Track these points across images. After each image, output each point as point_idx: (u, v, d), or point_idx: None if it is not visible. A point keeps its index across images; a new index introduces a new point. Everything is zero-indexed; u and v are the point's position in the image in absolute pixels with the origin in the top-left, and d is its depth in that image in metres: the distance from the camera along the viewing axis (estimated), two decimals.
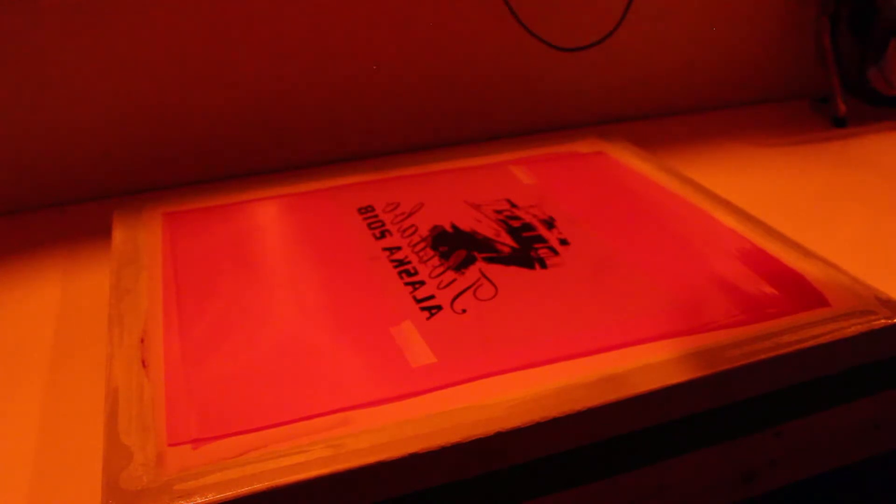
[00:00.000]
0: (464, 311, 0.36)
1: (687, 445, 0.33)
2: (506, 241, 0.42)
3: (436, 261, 0.40)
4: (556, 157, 0.53)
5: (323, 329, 0.35)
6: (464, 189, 0.48)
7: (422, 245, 0.41)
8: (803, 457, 0.36)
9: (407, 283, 0.38)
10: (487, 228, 0.43)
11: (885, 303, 0.35)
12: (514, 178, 0.50)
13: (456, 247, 0.41)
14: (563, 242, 0.41)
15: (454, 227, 0.43)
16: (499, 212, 0.45)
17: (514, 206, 0.46)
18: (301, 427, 0.29)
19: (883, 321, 0.34)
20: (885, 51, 0.68)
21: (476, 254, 0.40)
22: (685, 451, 0.33)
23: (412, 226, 0.43)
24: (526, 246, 0.41)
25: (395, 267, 0.39)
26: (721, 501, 0.35)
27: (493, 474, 0.30)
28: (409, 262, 0.40)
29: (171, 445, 0.28)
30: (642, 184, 0.49)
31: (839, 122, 0.71)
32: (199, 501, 0.26)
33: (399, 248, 0.41)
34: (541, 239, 0.42)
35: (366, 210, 0.45)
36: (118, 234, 0.43)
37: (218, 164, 0.61)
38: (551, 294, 0.37)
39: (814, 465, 0.36)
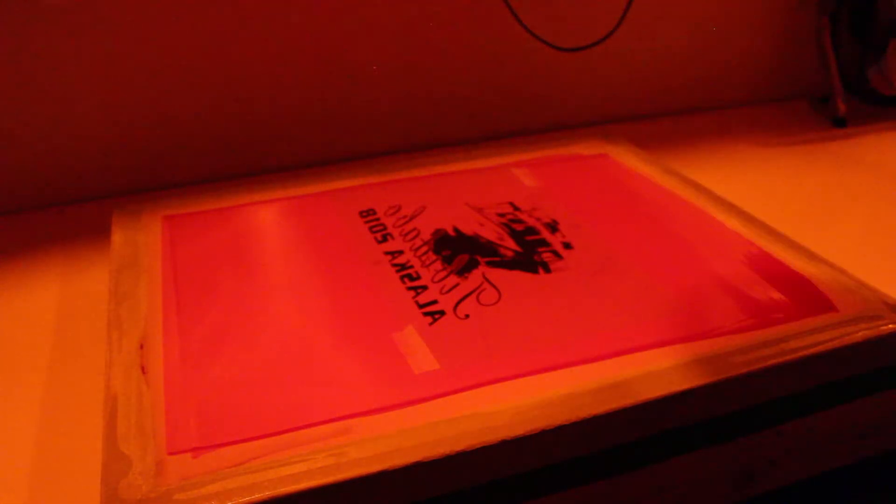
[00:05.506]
0: (467, 316, 0.35)
1: (687, 446, 0.32)
2: (509, 245, 0.41)
3: (438, 265, 0.40)
4: (559, 159, 0.53)
5: (324, 335, 0.34)
6: (466, 192, 0.48)
7: (424, 249, 0.41)
8: (803, 457, 0.35)
9: (409, 288, 0.38)
10: (490, 232, 0.43)
11: (893, 307, 0.35)
12: (517, 180, 0.49)
13: (458, 251, 0.41)
14: (567, 246, 0.41)
15: (456, 230, 0.43)
16: (501, 215, 0.45)
17: (516, 208, 0.45)
18: (302, 435, 0.29)
19: (891, 326, 0.34)
20: (885, 51, 0.68)
21: (479, 258, 0.40)
22: (685, 452, 0.33)
23: (414, 229, 0.43)
24: (529, 250, 0.41)
25: (398, 271, 0.39)
26: (721, 501, 0.34)
27: (498, 482, 0.29)
28: (411, 267, 0.39)
29: (170, 454, 0.28)
30: (646, 186, 0.48)
31: (839, 122, 0.71)
32: None
33: (401, 252, 0.41)
34: (544, 243, 0.42)
35: (367, 213, 0.45)
36: (117, 238, 0.43)
37: (218, 165, 0.61)
38: (555, 299, 0.37)
39: (814, 465, 0.36)
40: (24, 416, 0.37)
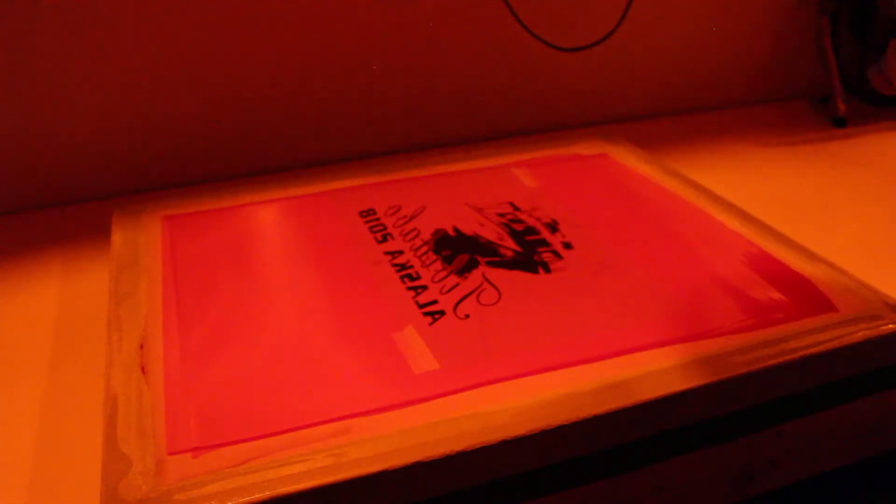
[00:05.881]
0: (467, 316, 0.35)
1: (687, 446, 0.32)
2: (509, 245, 0.41)
3: (438, 265, 0.40)
4: (559, 159, 0.53)
5: (324, 335, 0.34)
6: (466, 192, 0.48)
7: (424, 249, 0.41)
8: (803, 457, 0.35)
9: (409, 288, 0.38)
10: (490, 232, 0.43)
11: (893, 307, 0.35)
12: (517, 180, 0.49)
13: (458, 251, 0.41)
14: (567, 246, 0.41)
15: (456, 230, 0.43)
16: (501, 215, 0.45)
17: (516, 209, 0.45)
18: (302, 435, 0.29)
19: (891, 326, 0.34)
20: (885, 51, 0.68)
21: (479, 258, 0.40)
22: (685, 452, 0.33)
23: (414, 229, 0.43)
24: (529, 250, 0.41)
25: (398, 271, 0.39)
26: (721, 501, 0.34)
27: (498, 482, 0.29)
28: (411, 267, 0.39)
29: (170, 454, 0.28)
30: (646, 186, 0.48)
31: (839, 122, 0.71)
32: None
33: (401, 252, 0.41)
34: (544, 243, 0.42)
35: (367, 213, 0.45)
36: (117, 238, 0.43)
37: (218, 164, 0.61)
38: (555, 299, 0.37)
39: (814, 465, 0.36)
40: (24, 416, 0.37)
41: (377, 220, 0.44)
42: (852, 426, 0.36)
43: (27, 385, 0.39)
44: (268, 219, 0.45)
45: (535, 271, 0.39)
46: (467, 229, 0.43)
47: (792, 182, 0.60)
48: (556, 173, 0.50)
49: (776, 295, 0.36)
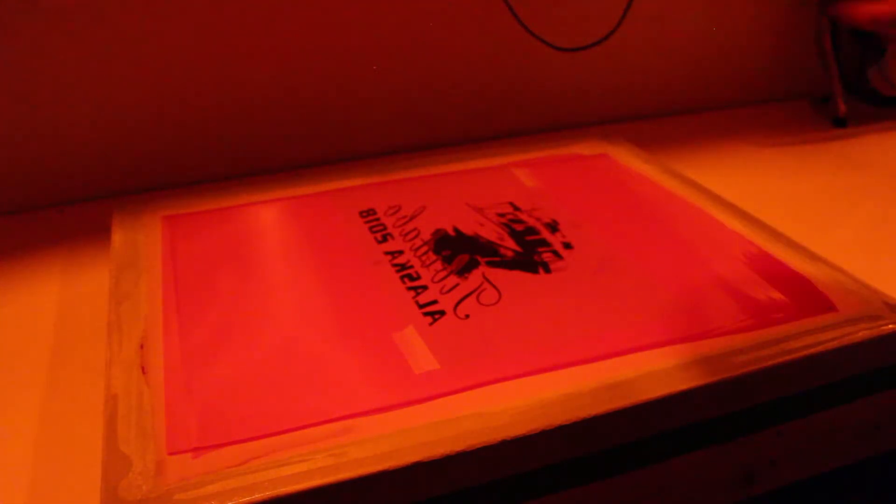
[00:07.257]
0: (467, 316, 0.35)
1: (687, 446, 0.32)
2: (509, 245, 0.41)
3: (438, 265, 0.40)
4: (559, 159, 0.53)
5: (325, 335, 0.34)
6: (466, 192, 0.48)
7: (424, 249, 0.41)
8: (803, 457, 0.35)
9: (409, 288, 0.38)
10: (490, 232, 0.43)
11: (893, 307, 0.35)
12: (517, 180, 0.49)
13: (458, 251, 0.41)
14: (567, 246, 0.41)
15: (457, 230, 0.43)
16: (501, 215, 0.45)
17: (517, 209, 0.45)
18: (302, 435, 0.29)
19: (891, 326, 0.34)
20: (885, 51, 0.68)
21: (479, 258, 0.40)
22: (685, 452, 0.33)
23: (414, 229, 0.43)
24: (529, 250, 0.41)
25: (398, 271, 0.39)
26: (721, 501, 0.34)
27: (498, 482, 0.29)
28: (411, 267, 0.39)
29: (170, 454, 0.28)
30: (646, 187, 0.48)
31: (839, 122, 0.71)
32: None
33: (401, 252, 0.41)
34: (544, 243, 0.42)
35: (368, 213, 0.45)
36: (117, 238, 0.43)
37: (218, 164, 0.61)
38: (555, 299, 0.37)
39: (814, 465, 0.36)
40: (24, 416, 0.37)
41: (377, 220, 0.44)
42: (852, 426, 0.36)
43: (27, 385, 0.39)
44: (268, 219, 0.45)
45: (536, 271, 0.39)
46: (467, 229, 0.43)
47: (792, 182, 0.60)
48: (556, 173, 0.50)
49: (776, 295, 0.36)
